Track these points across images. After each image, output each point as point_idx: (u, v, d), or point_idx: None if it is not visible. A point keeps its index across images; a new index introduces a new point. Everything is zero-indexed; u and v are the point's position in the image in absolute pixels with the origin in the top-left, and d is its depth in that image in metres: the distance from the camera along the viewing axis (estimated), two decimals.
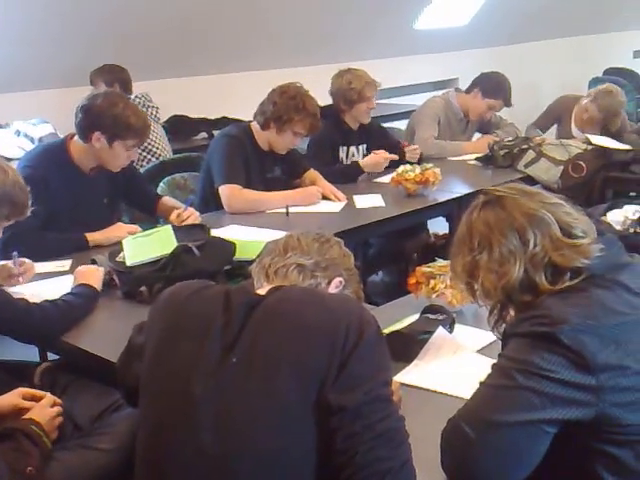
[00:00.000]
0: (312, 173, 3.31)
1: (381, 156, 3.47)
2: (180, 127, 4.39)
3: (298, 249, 1.45)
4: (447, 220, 3.70)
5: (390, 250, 3.90)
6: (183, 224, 2.57)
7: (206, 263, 2.09)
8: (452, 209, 3.35)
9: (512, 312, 1.33)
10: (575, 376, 1.17)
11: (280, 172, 3.23)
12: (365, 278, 3.87)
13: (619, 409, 1.18)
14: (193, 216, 2.72)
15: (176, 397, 1.26)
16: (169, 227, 2.35)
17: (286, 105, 2.97)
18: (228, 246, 2.19)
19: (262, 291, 1.36)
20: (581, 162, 3.44)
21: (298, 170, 3.31)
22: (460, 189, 3.50)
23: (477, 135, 4.32)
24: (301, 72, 4.52)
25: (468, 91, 4.13)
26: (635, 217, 2.43)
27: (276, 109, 2.99)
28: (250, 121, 3.15)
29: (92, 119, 2.49)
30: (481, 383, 1.28)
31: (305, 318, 1.26)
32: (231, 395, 1.23)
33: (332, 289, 1.46)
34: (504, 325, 1.32)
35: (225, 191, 2.97)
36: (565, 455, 1.25)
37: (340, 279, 1.47)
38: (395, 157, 3.50)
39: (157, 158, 3.75)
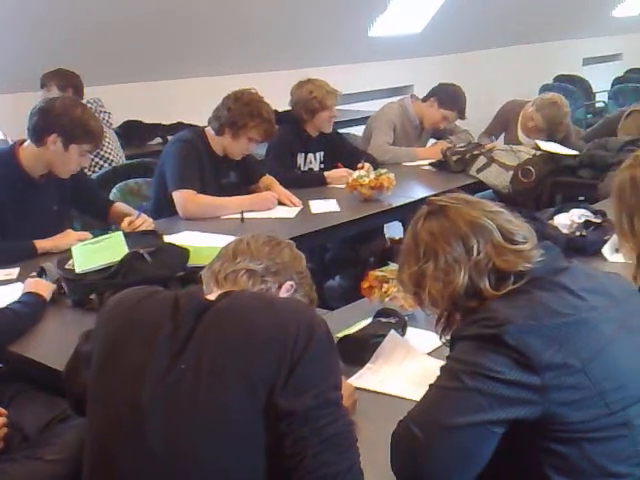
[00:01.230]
0: (268, 179, 3.32)
1: (346, 170, 3.50)
2: (134, 132, 4.34)
3: (248, 254, 1.44)
4: (403, 225, 3.74)
5: (347, 255, 3.92)
6: (135, 230, 2.54)
7: (158, 269, 2.07)
8: (407, 213, 3.33)
9: (458, 318, 1.35)
10: (520, 376, 1.19)
11: (235, 178, 3.21)
12: (322, 283, 3.88)
13: (564, 407, 1.20)
14: (146, 222, 2.69)
15: (123, 405, 1.24)
16: (120, 233, 2.32)
17: (240, 111, 2.97)
18: (181, 252, 2.17)
19: (212, 296, 1.35)
20: (530, 167, 3.51)
21: (254, 176, 3.30)
22: (415, 194, 3.55)
23: (432, 141, 4.38)
24: (257, 78, 4.50)
25: (425, 99, 4.19)
26: (581, 220, 2.48)
27: (230, 115, 2.98)
28: (205, 126, 3.13)
29: (50, 121, 2.46)
30: (430, 385, 1.29)
31: (254, 324, 1.26)
32: (180, 402, 1.22)
33: (283, 293, 1.46)
34: (451, 332, 1.33)
35: (179, 196, 2.95)
36: (513, 455, 1.27)
37: (291, 283, 1.47)
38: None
39: (109, 164, 3.70)
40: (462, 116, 4.13)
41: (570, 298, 1.26)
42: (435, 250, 1.31)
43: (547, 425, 1.21)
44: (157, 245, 2.21)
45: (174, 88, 4.63)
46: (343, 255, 3.94)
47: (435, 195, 3.84)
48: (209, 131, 3.08)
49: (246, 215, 2.99)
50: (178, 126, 4.12)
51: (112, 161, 3.71)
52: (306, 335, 1.22)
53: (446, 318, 1.35)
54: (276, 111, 3.60)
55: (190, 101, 4.46)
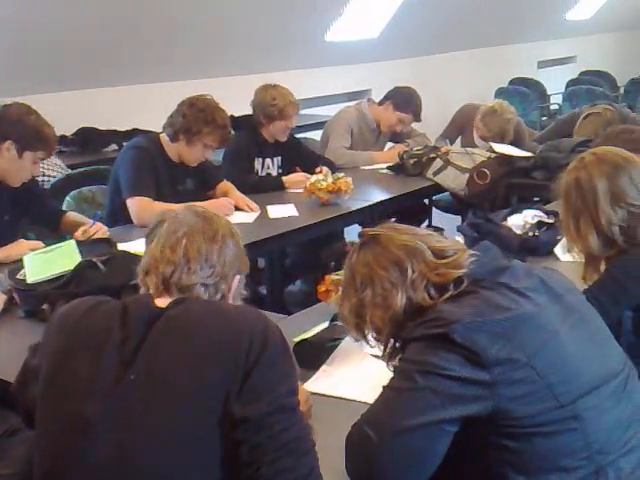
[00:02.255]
0: (225, 184, 3.30)
1: (303, 175, 3.50)
2: (89, 139, 4.29)
3: (199, 259, 1.38)
4: (362, 228, 3.75)
5: (306, 259, 3.93)
6: (89, 238, 2.51)
7: (112, 278, 2.04)
8: (366, 217, 3.42)
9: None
10: (470, 372, 1.21)
11: (192, 184, 3.19)
12: (283, 288, 3.89)
13: (514, 402, 1.22)
14: (101, 230, 2.65)
15: (71, 418, 1.22)
16: (72, 242, 2.29)
17: (195, 117, 2.95)
18: (136, 260, 2.12)
19: (162, 302, 1.33)
20: (485, 169, 3.56)
21: (211, 182, 3.29)
22: (373, 197, 3.58)
23: (390, 144, 4.41)
24: (213, 83, 4.49)
25: (381, 103, 4.22)
26: (534, 221, 2.53)
27: (185, 121, 2.96)
28: (159, 132, 3.11)
29: (4, 128, 2.44)
30: (384, 387, 1.31)
31: (207, 332, 1.25)
32: (130, 413, 1.20)
33: (234, 289, 1.43)
34: (398, 358, 1.35)
35: (133, 204, 2.92)
36: (467, 453, 1.29)
37: (239, 276, 1.45)
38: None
39: (49, 179, 3.57)
40: (418, 119, 4.17)
41: (513, 295, 1.29)
42: (371, 278, 1.36)
43: (498, 421, 1.23)
44: (111, 253, 2.19)
45: (129, 94, 4.58)
46: (303, 260, 3.94)
47: (393, 198, 3.90)
48: (164, 137, 3.06)
49: None
50: (134, 132, 4.07)
51: (50, 176, 3.60)
52: (260, 342, 1.22)
53: (393, 343, 1.38)
54: (232, 116, 3.60)
55: (146, 107, 4.42)
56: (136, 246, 2.57)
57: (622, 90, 7.27)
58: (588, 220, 1.83)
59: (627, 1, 8.28)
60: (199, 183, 3.21)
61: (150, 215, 2.89)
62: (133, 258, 2.16)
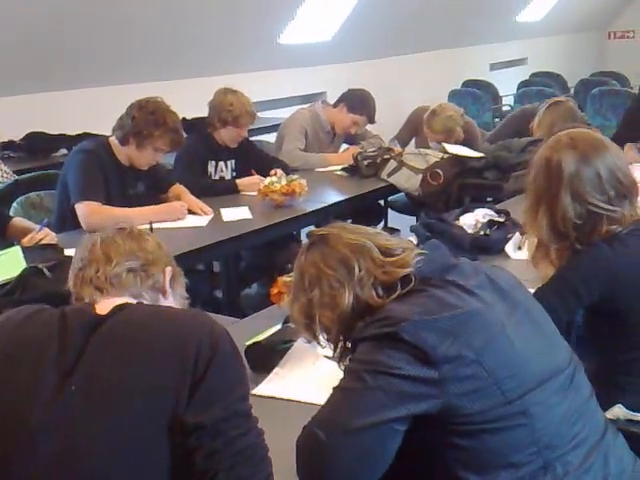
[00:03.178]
0: (177, 188, 3.27)
1: (257, 178, 3.48)
2: (38, 144, 4.20)
3: (121, 252, 1.37)
4: None
5: (262, 262, 3.90)
6: (36, 244, 2.44)
7: (58, 285, 1.98)
8: (321, 218, 3.42)
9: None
10: (419, 371, 1.21)
11: (144, 188, 3.15)
12: (239, 291, 3.86)
13: (463, 399, 1.22)
14: (48, 236, 2.59)
15: (12, 430, 1.18)
16: (17, 248, 2.23)
17: (145, 120, 2.90)
18: None
19: (102, 309, 1.29)
20: (438, 170, 3.59)
21: (163, 185, 3.25)
22: (327, 199, 3.59)
23: (345, 146, 4.41)
24: (166, 86, 4.44)
25: (335, 105, 4.22)
26: (485, 220, 2.55)
27: (135, 124, 2.91)
28: (108, 136, 3.06)
29: None
30: (334, 388, 1.30)
31: (152, 338, 1.22)
32: (73, 424, 1.17)
33: (166, 280, 1.42)
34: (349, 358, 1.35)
35: (82, 209, 2.86)
36: (418, 452, 1.29)
37: (169, 268, 1.44)
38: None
39: None
40: (372, 121, 4.18)
41: (460, 293, 1.30)
42: (319, 278, 1.36)
43: (448, 418, 1.23)
44: (57, 259, 2.14)
45: (80, 98, 4.50)
46: (259, 263, 3.92)
47: (348, 199, 3.89)
48: (113, 141, 3.01)
49: (156, 225, 2.91)
50: (84, 136, 4.00)
51: None
52: (209, 347, 1.19)
53: (342, 343, 1.38)
54: (185, 119, 3.57)
55: (97, 111, 4.34)
56: None
57: (572, 91, 7.41)
58: (545, 207, 1.76)
59: (576, 4, 8.46)
60: (151, 187, 3.17)
61: (99, 220, 2.90)
62: None
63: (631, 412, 1.73)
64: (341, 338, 1.38)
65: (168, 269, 1.43)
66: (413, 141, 4.54)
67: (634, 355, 1.78)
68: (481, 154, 3.74)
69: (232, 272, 3.67)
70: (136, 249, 1.39)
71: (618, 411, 1.71)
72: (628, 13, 9.76)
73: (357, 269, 1.33)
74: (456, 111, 4.10)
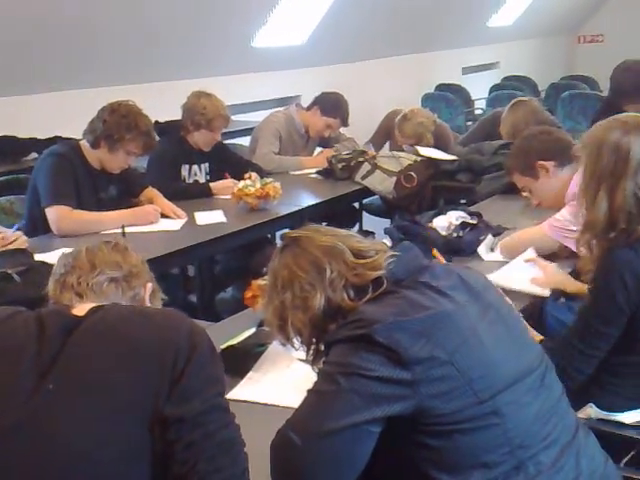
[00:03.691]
0: (150, 191, 3.24)
1: (231, 181, 3.47)
2: (8, 148, 4.14)
3: (105, 262, 1.39)
4: None
5: (237, 266, 3.89)
6: (5, 249, 2.41)
7: (28, 290, 1.96)
8: (296, 222, 3.41)
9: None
10: (392, 372, 1.22)
11: (116, 191, 3.12)
12: (214, 295, 3.84)
13: (435, 400, 1.23)
14: (19, 240, 2.56)
15: None
16: None
17: (117, 123, 2.88)
18: (52, 270, 2.07)
19: (79, 311, 1.29)
20: (412, 173, 3.61)
21: (135, 189, 3.22)
22: (302, 202, 3.59)
23: (319, 149, 4.42)
24: (138, 89, 4.41)
25: (309, 108, 4.23)
26: (458, 222, 2.57)
27: (106, 127, 2.89)
28: (79, 139, 3.03)
29: None
30: (308, 391, 1.30)
31: (130, 337, 1.22)
32: (51, 424, 1.16)
33: (147, 295, 1.44)
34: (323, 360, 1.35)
35: (53, 213, 2.83)
36: (391, 453, 1.29)
37: (150, 284, 1.46)
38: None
39: None
40: (345, 123, 4.19)
41: (433, 294, 1.31)
42: (291, 280, 1.36)
43: (421, 419, 1.24)
44: (27, 264, 2.11)
45: (50, 101, 4.44)
46: (234, 266, 3.90)
47: (322, 202, 3.89)
48: (84, 144, 2.98)
49: (128, 229, 2.90)
50: (55, 140, 3.95)
51: None
52: (188, 346, 1.20)
53: (315, 345, 1.38)
54: (157, 122, 3.55)
55: (67, 114, 4.29)
56: (54, 257, 2.49)
57: (543, 94, 7.50)
58: (606, 190, 1.68)
59: (546, 8, 8.57)
60: (123, 190, 3.14)
61: (70, 224, 2.87)
62: (51, 269, 2.09)
63: (603, 412, 1.74)
64: (314, 340, 1.38)
65: (149, 285, 1.46)
66: (387, 144, 4.56)
67: (626, 360, 1.77)
68: (454, 157, 3.77)
69: (206, 276, 3.65)
70: (120, 261, 1.42)
71: (590, 410, 1.73)
72: (597, 17, 9.91)
73: (329, 271, 1.33)
74: (428, 117, 4.14)
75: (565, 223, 2.22)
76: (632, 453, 1.65)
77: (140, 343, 1.21)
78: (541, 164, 2.37)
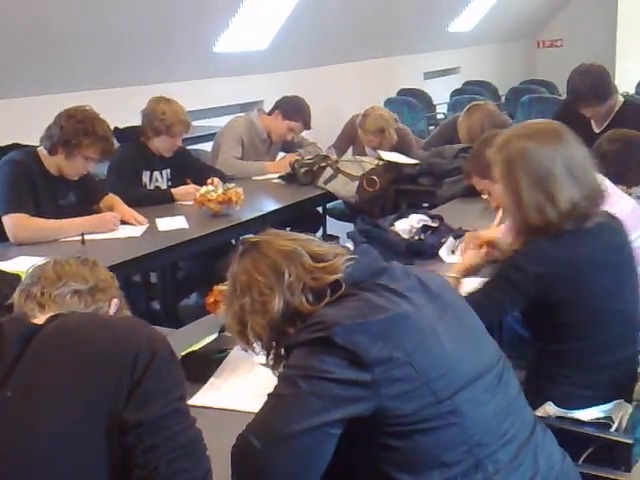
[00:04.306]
0: (110, 198, 3.21)
1: (193, 187, 3.45)
2: None
3: (71, 274, 1.41)
4: None
5: (201, 272, 3.86)
6: None
7: None
8: (259, 227, 3.39)
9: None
10: (352, 374, 1.22)
11: (75, 198, 3.08)
12: (177, 302, 3.80)
13: (395, 400, 1.24)
14: None
15: None
16: None
17: (74, 129, 2.84)
18: (9, 279, 2.03)
19: (40, 320, 1.28)
20: (374, 177, 3.64)
21: (95, 195, 3.19)
22: (265, 207, 3.59)
23: (282, 154, 4.42)
24: (98, 95, 4.36)
25: (270, 113, 4.23)
26: (419, 225, 2.59)
27: (63, 133, 2.85)
28: (37, 146, 2.98)
29: None
30: (268, 395, 1.30)
31: (90, 343, 1.21)
32: (7, 431, 1.14)
33: (112, 311, 1.45)
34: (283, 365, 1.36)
35: (9, 221, 2.79)
36: (353, 455, 1.30)
37: (116, 300, 1.47)
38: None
39: None
40: (308, 126, 4.20)
41: (391, 296, 1.32)
42: (250, 284, 1.37)
43: (381, 420, 1.25)
44: None
45: (8, 108, 4.37)
46: (197, 272, 3.87)
47: (285, 207, 3.89)
48: (42, 151, 2.94)
49: (88, 237, 2.88)
50: (14, 147, 3.87)
51: None
52: (148, 351, 1.20)
53: (275, 349, 1.38)
54: (117, 128, 3.51)
55: (27, 121, 4.22)
56: (12, 265, 2.45)
57: (503, 99, 7.60)
58: (520, 199, 1.78)
59: (506, 13, 8.69)
60: (82, 197, 3.10)
61: (27, 232, 2.84)
62: (8, 277, 2.06)
63: (562, 409, 1.77)
64: (274, 345, 1.38)
65: (115, 301, 1.47)
66: (350, 149, 4.58)
67: (567, 347, 1.83)
68: (416, 161, 3.80)
69: (169, 283, 3.62)
70: (87, 274, 1.44)
71: (549, 408, 1.75)
72: (556, 22, 10.08)
73: (287, 275, 1.34)
74: (387, 112, 4.20)
75: None
76: (590, 450, 1.68)
77: (99, 348, 1.20)
78: None
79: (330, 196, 3.90)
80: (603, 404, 1.80)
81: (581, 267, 1.79)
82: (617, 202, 2.28)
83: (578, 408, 1.76)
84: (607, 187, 1.89)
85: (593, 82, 3.56)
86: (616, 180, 2.38)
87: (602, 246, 1.82)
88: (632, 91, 6.73)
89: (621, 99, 3.72)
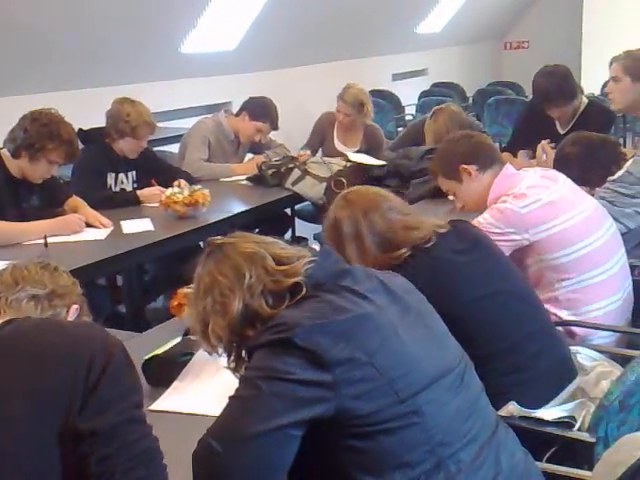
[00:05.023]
0: (74, 200, 3.17)
1: (158, 189, 3.42)
2: None
3: (29, 279, 1.40)
4: None
5: (168, 274, 3.83)
6: None
7: None
8: (226, 229, 3.38)
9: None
10: (313, 375, 1.22)
11: (39, 201, 3.04)
12: (144, 305, 3.77)
13: (357, 401, 1.24)
14: None
15: None
16: None
17: (38, 132, 2.81)
18: None
19: None
20: (342, 178, 3.64)
21: (59, 198, 3.15)
22: (232, 209, 3.58)
23: (250, 155, 4.40)
24: (63, 96, 4.31)
25: (237, 114, 4.22)
26: None
27: (27, 136, 2.81)
28: (0, 148, 2.94)
29: None
30: (229, 397, 1.29)
31: (43, 348, 1.20)
32: None
33: (70, 317, 1.44)
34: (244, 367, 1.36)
35: None
36: (316, 458, 1.29)
37: (76, 306, 1.47)
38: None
39: None
40: (275, 127, 4.19)
41: (353, 298, 1.32)
42: (212, 285, 1.37)
43: (343, 421, 1.24)
44: None
45: None
46: (164, 275, 3.84)
47: (253, 209, 3.87)
48: (5, 153, 2.89)
49: (51, 240, 2.84)
50: None
51: None
52: (103, 357, 1.18)
53: (235, 351, 1.38)
54: (82, 130, 3.47)
55: None
56: None
57: (470, 100, 7.67)
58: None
59: (473, 15, 8.76)
60: (46, 200, 3.06)
61: None
62: None
63: (525, 409, 1.78)
64: (234, 346, 1.38)
65: (74, 307, 1.46)
66: (320, 150, 4.58)
67: (497, 347, 1.79)
68: (383, 162, 3.81)
69: (135, 286, 3.58)
70: (46, 280, 1.43)
71: (512, 408, 1.76)
72: (522, 24, 10.19)
73: (248, 276, 1.34)
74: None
75: (487, 226, 2.26)
76: (553, 449, 1.69)
77: (52, 353, 1.19)
78: (464, 167, 2.40)
79: (299, 198, 3.89)
80: (562, 390, 1.82)
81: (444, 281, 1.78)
82: (580, 203, 2.32)
83: (538, 406, 1.77)
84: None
85: (558, 82, 3.61)
86: (579, 182, 2.41)
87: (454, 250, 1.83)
88: (597, 92, 6.82)
89: (585, 100, 3.78)
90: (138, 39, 4.88)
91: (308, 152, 4.11)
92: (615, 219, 2.43)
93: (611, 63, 3.26)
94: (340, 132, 4.50)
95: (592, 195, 2.51)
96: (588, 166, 2.65)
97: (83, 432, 1.13)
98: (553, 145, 3.31)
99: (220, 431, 1.25)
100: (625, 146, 5.96)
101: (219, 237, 1.46)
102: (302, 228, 4.47)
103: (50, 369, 1.17)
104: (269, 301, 1.34)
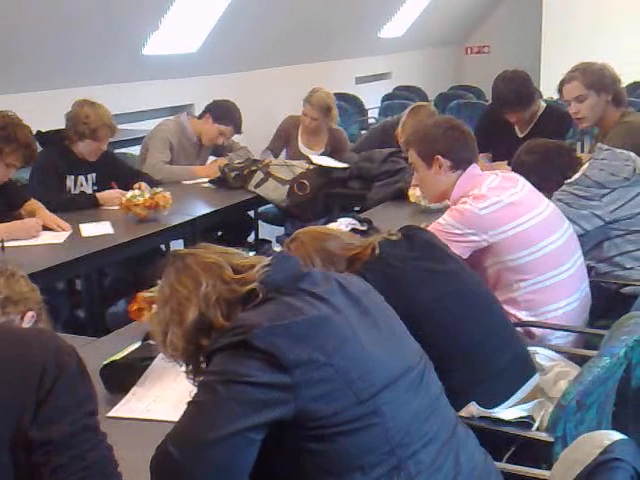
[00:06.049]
0: (32, 203, 3.12)
1: (118, 191, 3.38)
2: None
3: None
4: (185, 243, 3.69)
5: (128, 278, 3.78)
6: None
7: None
8: (188, 232, 3.37)
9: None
10: (272, 377, 1.22)
11: None
12: (104, 310, 3.71)
13: (316, 402, 1.23)
14: None
15: None
16: None
17: None
18: None
19: None
20: (304, 181, 3.65)
21: (16, 201, 3.09)
22: (194, 211, 3.54)
23: (212, 158, 4.38)
24: (18, 98, 4.23)
25: (200, 116, 4.19)
26: (348, 229, 2.60)
27: None
28: None
29: None
30: (188, 402, 1.28)
31: None
32: None
33: (25, 324, 1.42)
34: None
35: None
36: (275, 459, 1.28)
37: (32, 313, 1.46)
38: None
39: None
40: (238, 130, 4.17)
41: (312, 300, 1.32)
42: (171, 294, 1.39)
43: (303, 423, 1.24)
44: None
45: None
46: (124, 278, 3.79)
47: (215, 211, 3.84)
48: None
49: (8, 243, 2.79)
50: None
51: None
52: (55, 365, 1.16)
53: (193, 361, 1.38)
54: (40, 132, 3.41)
55: None
56: None
57: (432, 104, 7.72)
58: None
59: (435, 19, 8.85)
60: (3, 203, 3.01)
61: None
62: None
63: (485, 409, 1.80)
64: (191, 355, 1.37)
65: (30, 313, 1.45)
66: (284, 152, 4.58)
67: (457, 344, 1.80)
68: (345, 165, 3.83)
69: (95, 290, 3.53)
70: (1, 286, 1.42)
71: (472, 408, 1.77)
72: (484, 28, 10.31)
73: (204, 285, 1.35)
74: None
75: (447, 227, 2.28)
76: (512, 449, 1.71)
77: (2, 361, 1.16)
78: (438, 159, 2.38)
79: (262, 200, 3.88)
80: (523, 385, 1.83)
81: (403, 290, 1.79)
82: (538, 205, 2.35)
83: (500, 402, 1.79)
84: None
85: (516, 88, 3.66)
86: (537, 189, 2.44)
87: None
88: (556, 96, 6.93)
89: (543, 104, 3.84)
90: (100, 41, 4.82)
91: (271, 159, 4.09)
92: (572, 221, 2.47)
93: (561, 86, 3.20)
94: (305, 135, 4.50)
95: (549, 198, 2.55)
96: (545, 173, 2.66)
97: (36, 441, 1.11)
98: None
99: (178, 437, 1.23)
100: (583, 149, 6.07)
101: (183, 249, 1.48)
102: (265, 231, 4.47)
103: (1, 380, 1.14)
104: (224, 311, 1.34)
